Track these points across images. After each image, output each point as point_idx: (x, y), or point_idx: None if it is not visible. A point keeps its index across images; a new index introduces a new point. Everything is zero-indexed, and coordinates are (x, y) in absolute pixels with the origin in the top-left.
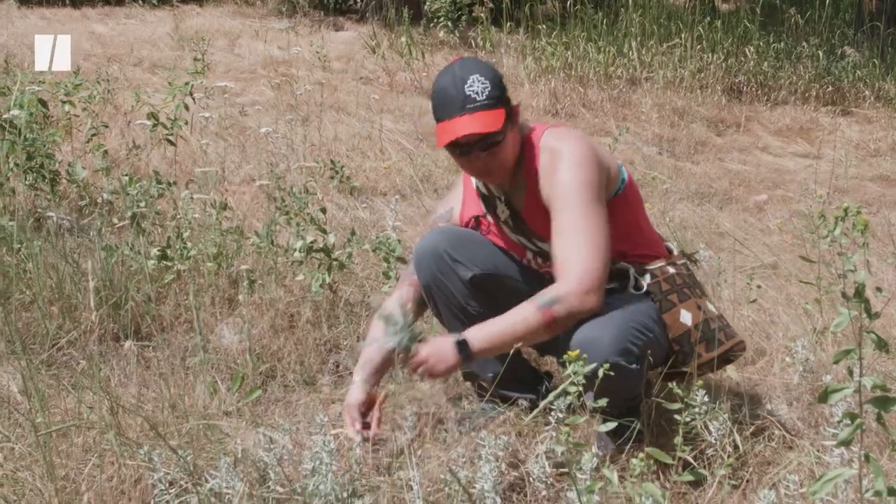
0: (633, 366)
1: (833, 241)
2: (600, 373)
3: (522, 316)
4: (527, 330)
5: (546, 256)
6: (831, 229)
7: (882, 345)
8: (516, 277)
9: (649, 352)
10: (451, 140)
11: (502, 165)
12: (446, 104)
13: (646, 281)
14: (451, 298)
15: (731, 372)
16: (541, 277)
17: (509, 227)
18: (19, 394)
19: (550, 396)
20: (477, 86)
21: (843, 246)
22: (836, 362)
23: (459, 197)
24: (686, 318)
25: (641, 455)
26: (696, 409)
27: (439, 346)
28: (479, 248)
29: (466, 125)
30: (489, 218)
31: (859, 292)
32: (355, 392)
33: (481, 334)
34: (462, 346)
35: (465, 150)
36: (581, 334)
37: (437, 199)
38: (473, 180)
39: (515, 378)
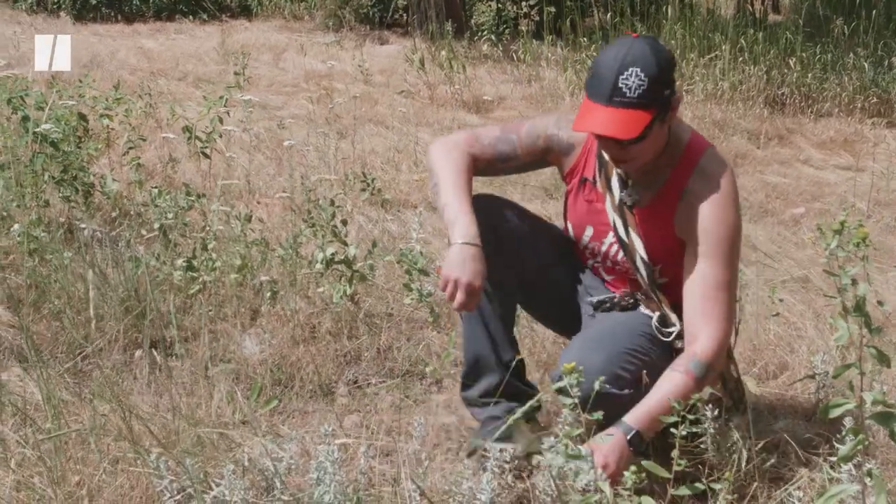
0: (624, 391)
1: (831, 255)
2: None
3: (677, 388)
4: (684, 399)
5: (626, 251)
6: (828, 243)
7: (882, 359)
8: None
9: (645, 372)
10: (584, 130)
11: (637, 160)
12: (596, 85)
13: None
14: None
15: (750, 385)
16: (577, 268)
17: (614, 203)
18: (43, 402)
19: (528, 404)
20: (633, 80)
21: (842, 259)
22: (836, 377)
23: (581, 143)
24: None
25: (634, 468)
26: (692, 421)
27: (614, 448)
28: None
29: (604, 122)
30: (598, 186)
31: (859, 306)
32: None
33: (647, 420)
34: (636, 439)
35: (601, 137)
36: (571, 356)
37: (548, 115)
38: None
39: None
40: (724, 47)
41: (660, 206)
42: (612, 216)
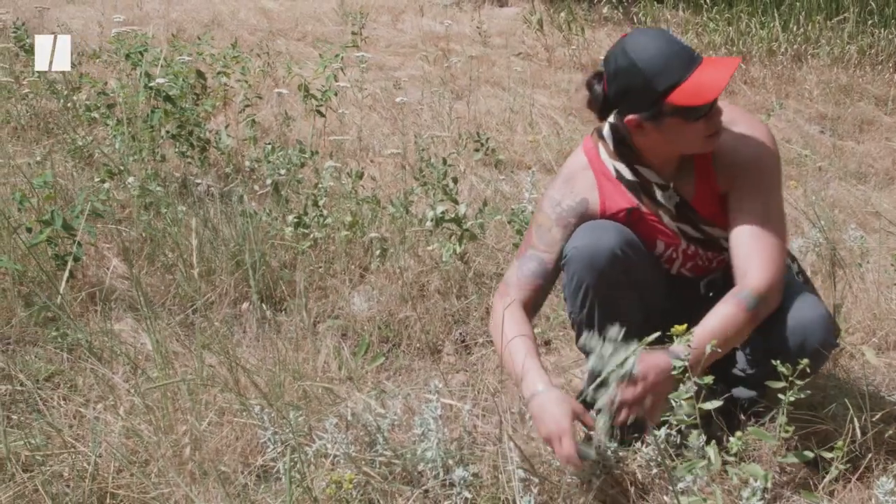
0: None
1: None
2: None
3: (731, 319)
4: (737, 333)
5: (706, 245)
6: None
7: None
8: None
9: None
10: (715, 90)
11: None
12: (676, 63)
13: (794, 269)
14: (616, 303)
15: (869, 357)
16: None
17: (671, 215)
18: (154, 352)
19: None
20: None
21: None
22: None
23: (592, 187)
24: None
25: (739, 434)
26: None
27: (657, 366)
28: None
29: (719, 72)
30: (643, 208)
31: None
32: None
33: (696, 351)
34: (682, 367)
35: (713, 107)
36: (797, 318)
37: (548, 188)
38: (613, 169)
39: None
40: (852, 9)
41: (706, 183)
42: (674, 227)
